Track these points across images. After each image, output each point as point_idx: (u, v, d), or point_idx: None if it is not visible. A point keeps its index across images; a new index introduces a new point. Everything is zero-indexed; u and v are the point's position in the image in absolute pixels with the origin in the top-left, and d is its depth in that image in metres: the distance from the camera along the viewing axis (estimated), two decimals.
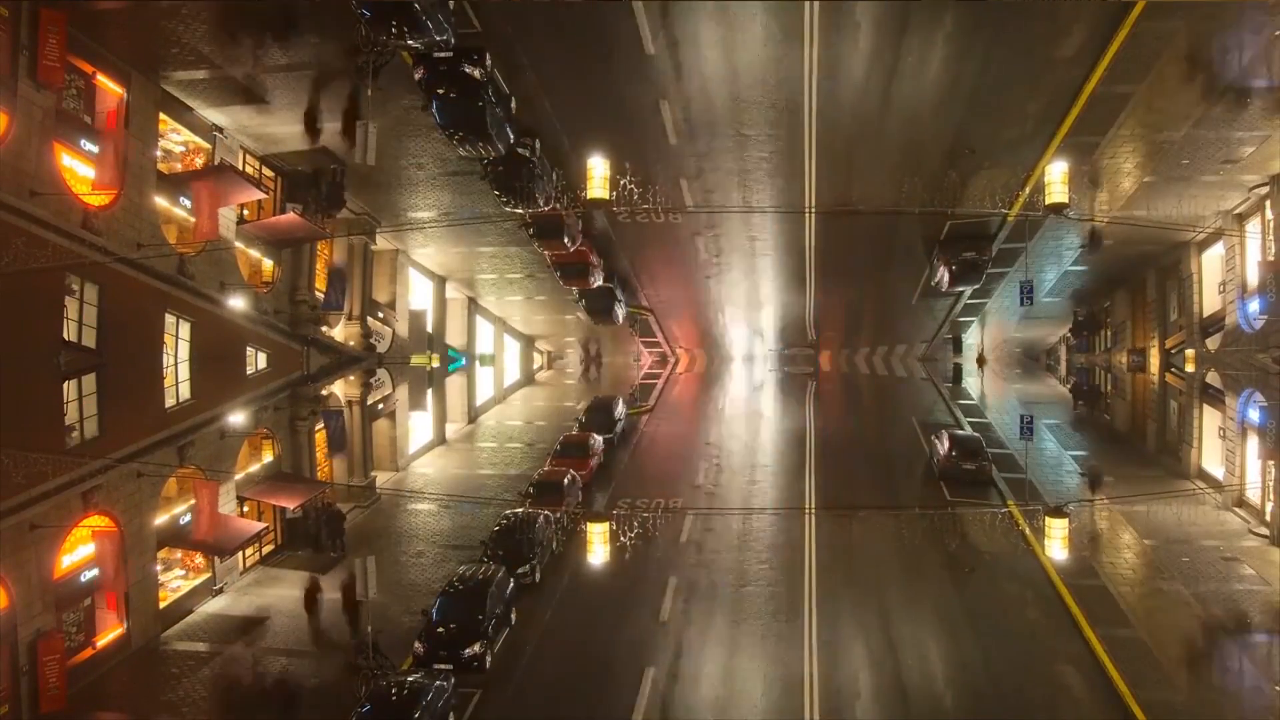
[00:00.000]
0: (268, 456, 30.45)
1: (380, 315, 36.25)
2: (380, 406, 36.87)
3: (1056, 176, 25.97)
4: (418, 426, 38.17)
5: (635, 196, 28.09)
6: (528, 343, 50.26)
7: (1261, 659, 18.38)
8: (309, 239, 30.77)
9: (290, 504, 27.14)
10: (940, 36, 21.26)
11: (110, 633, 19.42)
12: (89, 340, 22.22)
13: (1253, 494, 25.58)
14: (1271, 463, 26.62)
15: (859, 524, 25.46)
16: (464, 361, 43.66)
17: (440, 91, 21.76)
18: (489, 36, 21.60)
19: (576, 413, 40.83)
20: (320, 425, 32.81)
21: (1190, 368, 34.62)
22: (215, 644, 20.01)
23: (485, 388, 45.61)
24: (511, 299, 43.09)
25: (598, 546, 24.43)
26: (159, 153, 24.96)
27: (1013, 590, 21.84)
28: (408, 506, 29.53)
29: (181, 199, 26.28)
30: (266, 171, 29.08)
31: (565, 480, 27.16)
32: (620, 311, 37.16)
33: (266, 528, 25.10)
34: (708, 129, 25.08)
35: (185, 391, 26.03)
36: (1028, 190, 27.05)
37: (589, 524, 25.26)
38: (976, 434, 31.27)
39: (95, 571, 20.25)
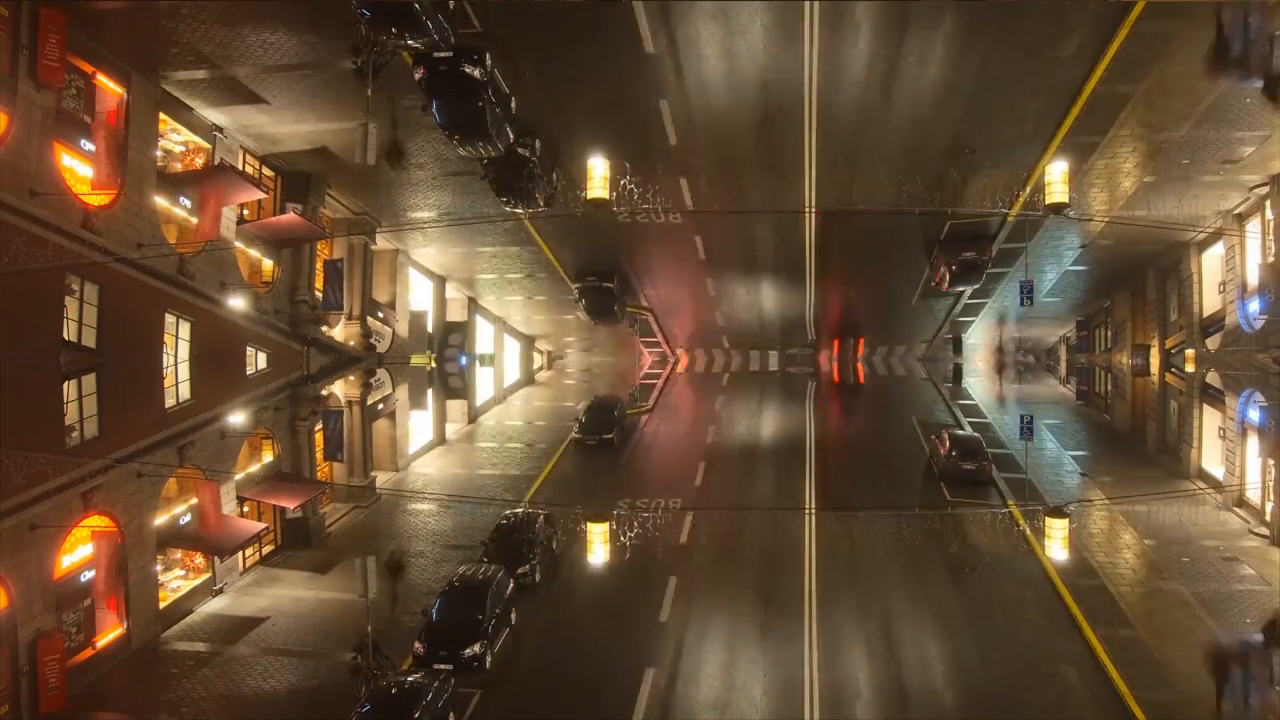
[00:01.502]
0: (268, 457, 30.45)
1: (380, 315, 36.24)
2: (380, 406, 36.86)
3: (1056, 176, 25.97)
4: (418, 426, 38.19)
5: (635, 196, 28.08)
6: (528, 343, 50.20)
7: (1261, 659, 18.38)
8: (309, 239, 30.76)
9: (290, 504, 27.18)
10: (940, 36, 21.25)
11: (110, 633, 19.43)
12: (89, 340, 22.19)
13: (1253, 494, 25.59)
14: (1271, 463, 26.61)
15: (859, 524, 25.48)
16: (466, 360, 43.59)
17: (440, 91, 21.74)
18: (489, 36, 21.59)
19: (576, 413, 40.78)
20: (320, 425, 32.82)
21: (1190, 368, 34.58)
22: (215, 644, 20.01)
23: (485, 388, 45.56)
24: (511, 299, 43.03)
25: (597, 546, 24.49)
26: (159, 153, 24.96)
27: (1013, 590, 21.86)
28: (408, 506, 29.54)
29: (181, 199, 26.27)
30: (266, 171, 29.07)
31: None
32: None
33: (266, 528, 25.13)
34: (708, 129, 25.07)
35: (185, 391, 26.01)
36: (1028, 190, 27.04)
37: (589, 524, 25.31)
38: (976, 434, 31.26)
39: (95, 571, 20.26)
